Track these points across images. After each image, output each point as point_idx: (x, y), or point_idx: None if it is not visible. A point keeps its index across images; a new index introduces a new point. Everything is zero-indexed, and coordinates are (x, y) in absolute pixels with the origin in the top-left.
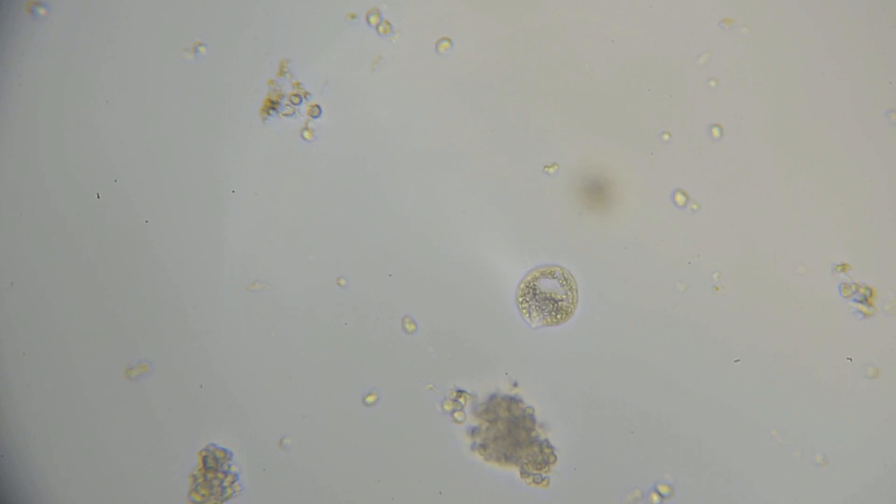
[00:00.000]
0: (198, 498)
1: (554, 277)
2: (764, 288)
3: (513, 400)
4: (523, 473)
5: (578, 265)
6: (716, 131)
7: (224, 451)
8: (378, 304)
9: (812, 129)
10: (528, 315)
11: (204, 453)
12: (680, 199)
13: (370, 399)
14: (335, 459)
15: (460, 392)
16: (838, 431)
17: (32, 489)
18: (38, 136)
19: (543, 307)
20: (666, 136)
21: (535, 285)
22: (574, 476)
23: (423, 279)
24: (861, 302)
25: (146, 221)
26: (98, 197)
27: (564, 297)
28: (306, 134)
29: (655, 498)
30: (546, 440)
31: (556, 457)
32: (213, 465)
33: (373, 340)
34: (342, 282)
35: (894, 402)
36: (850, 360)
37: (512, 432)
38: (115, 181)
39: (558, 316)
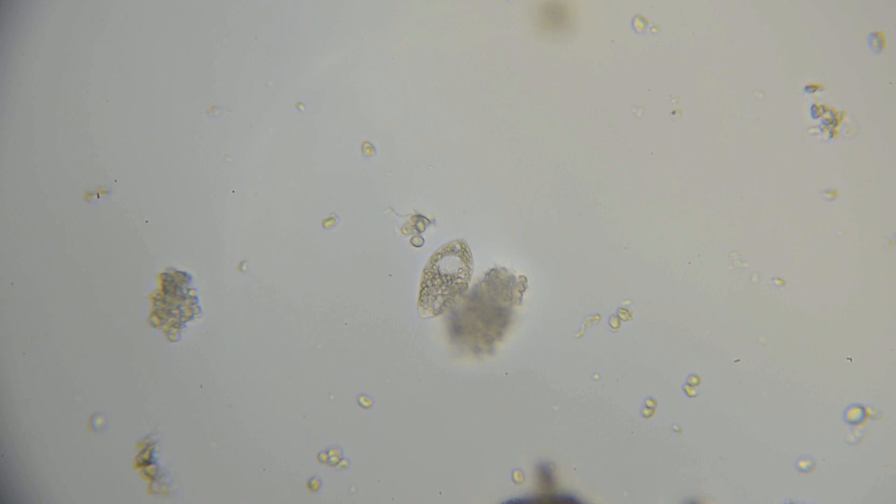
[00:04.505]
0: (157, 321)
1: (454, 252)
2: (722, 112)
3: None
4: (516, 300)
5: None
6: None
7: (183, 273)
8: (378, 304)
9: None
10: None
11: (163, 276)
12: (639, 24)
13: (328, 224)
14: (293, 277)
15: (419, 217)
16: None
17: (32, 489)
18: (38, 135)
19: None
20: None
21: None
22: (537, 301)
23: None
24: (828, 124)
25: (146, 221)
26: (98, 197)
27: (461, 271)
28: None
29: (615, 323)
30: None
31: (505, 269)
32: (172, 289)
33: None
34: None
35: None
36: (850, 359)
37: (488, 312)
38: (115, 181)
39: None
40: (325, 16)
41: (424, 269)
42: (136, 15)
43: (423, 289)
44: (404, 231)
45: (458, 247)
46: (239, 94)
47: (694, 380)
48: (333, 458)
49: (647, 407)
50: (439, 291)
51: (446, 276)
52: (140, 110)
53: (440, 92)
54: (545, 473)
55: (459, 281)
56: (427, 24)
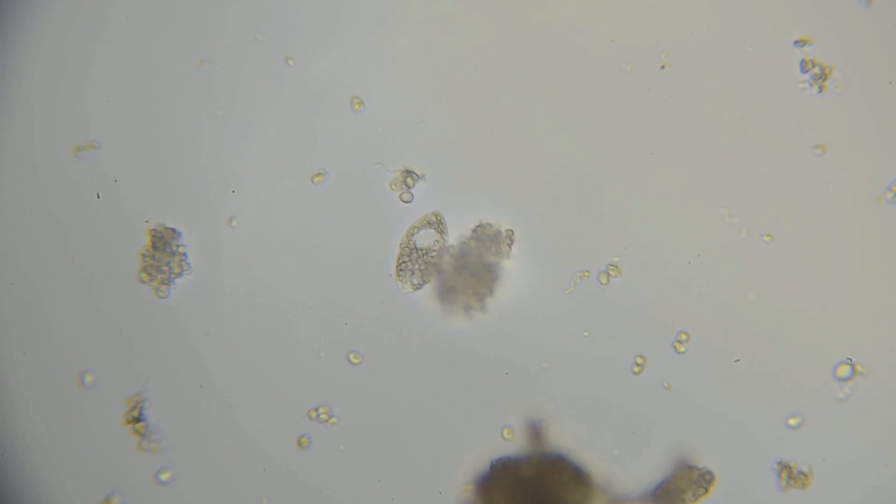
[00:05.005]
0: (146, 277)
1: (429, 225)
2: (711, 67)
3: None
4: (504, 254)
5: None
6: None
7: (172, 230)
8: (377, 303)
9: None
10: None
11: (152, 232)
12: None
13: (318, 179)
14: (280, 235)
15: (409, 173)
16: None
17: (32, 489)
18: (38, 135)
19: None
20: None
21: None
22: (527, 253)
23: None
24: (817, 79)
25: (146, 221)
26: (98, 197)
27: (436, 242)
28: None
29: (604, 279)
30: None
31: (490, 224)
32: (162, 245)
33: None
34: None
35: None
36: (850, 359)
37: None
38: (115, 181)
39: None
40: (325, 16)
41: (401, 244)
42: (136, 15)
43: (399, 264)
44: (393, 187)
45: (433, 219)
46: (239, 93)
47: (683, 336)
48: (323, 416)
49: (637, 364)
50: (416, 266)
51: (422, 249)
52: (140, 110)
53: (440, 91)
54: (535, 431)
55: (434, 254)
56: (427, 24)
